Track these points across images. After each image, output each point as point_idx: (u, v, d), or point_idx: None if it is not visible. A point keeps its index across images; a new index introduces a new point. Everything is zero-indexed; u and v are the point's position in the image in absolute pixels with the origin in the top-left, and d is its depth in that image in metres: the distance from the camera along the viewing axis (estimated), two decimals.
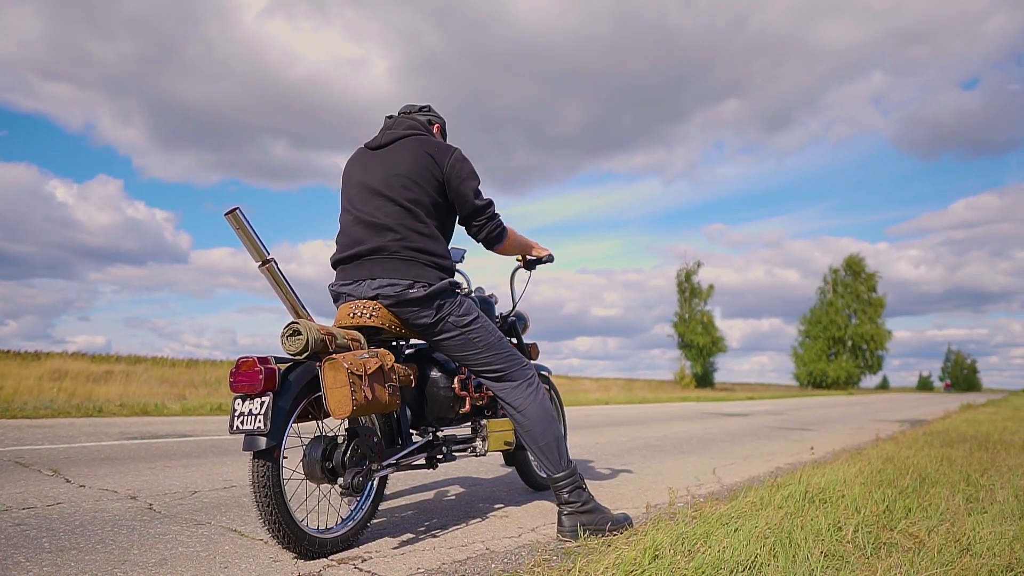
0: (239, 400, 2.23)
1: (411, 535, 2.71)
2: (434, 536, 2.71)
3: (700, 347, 45.63)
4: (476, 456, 3.05)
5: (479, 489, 3.79)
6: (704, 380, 45.55)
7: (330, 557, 2.35)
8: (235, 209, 2.30)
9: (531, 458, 3.55)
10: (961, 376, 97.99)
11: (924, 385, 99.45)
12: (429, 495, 3.56)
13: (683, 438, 7.41)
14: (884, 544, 2.54)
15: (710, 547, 2.17)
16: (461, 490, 3.74)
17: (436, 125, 2.98)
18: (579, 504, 2.71)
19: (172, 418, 8.11)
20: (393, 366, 2.50)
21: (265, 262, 2.38)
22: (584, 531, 2.65)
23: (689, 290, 47.40)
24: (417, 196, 2.62)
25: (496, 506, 3.34)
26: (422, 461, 2.87)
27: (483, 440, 3.02)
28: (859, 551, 2.44)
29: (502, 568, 2.27)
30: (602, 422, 9.77)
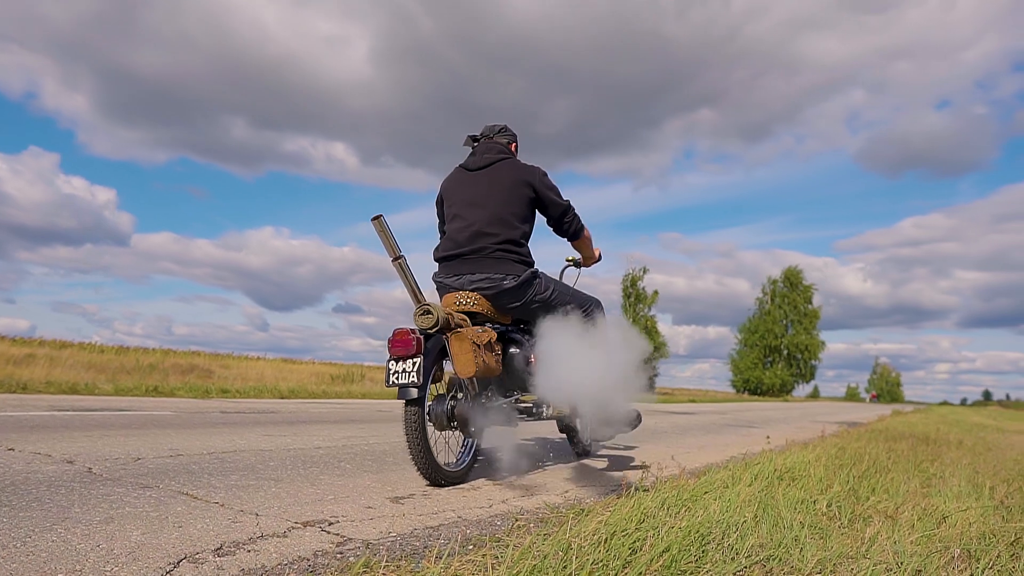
0: (394, 361, 2.83)
1: (377, 503, 2.57)
2: (400, 504, 2.58)
3: None
4: (541, 420, 3.54)
5: None
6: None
7: (296, 521, 2.20)
8: (380, 216, 2.82)
9: None
10: (885, 388, 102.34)
11: (851, 396, 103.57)
12: (393, 470, 3.42)
13: (635, 430, 7.41)
14: (859, 517, 2.54)
15: (697, 511, 2.11)
16: None
17: (512, 144, 3.56)
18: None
19: (105, 397, 7.69)
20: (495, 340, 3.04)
21: (397, 258, 2.87)
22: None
23: (634, 295, 47.97)
24: (514, 208, 3.22)
25: (466, 482, 3.22)
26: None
27: (547, 407, 3.54)
28: (836, 522, 2.43)
29: (478, 533, 2.16)
30: None
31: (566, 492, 3.06)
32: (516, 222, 3.21)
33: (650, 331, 46.72)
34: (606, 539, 1.75)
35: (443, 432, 3.17)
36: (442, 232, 3.48)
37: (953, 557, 1.90)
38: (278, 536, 2.02)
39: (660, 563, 1.61)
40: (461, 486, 3.06)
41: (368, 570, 1.57)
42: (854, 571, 1.73)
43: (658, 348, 46.49)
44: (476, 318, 3.21)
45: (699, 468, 4.10)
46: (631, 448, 5.23)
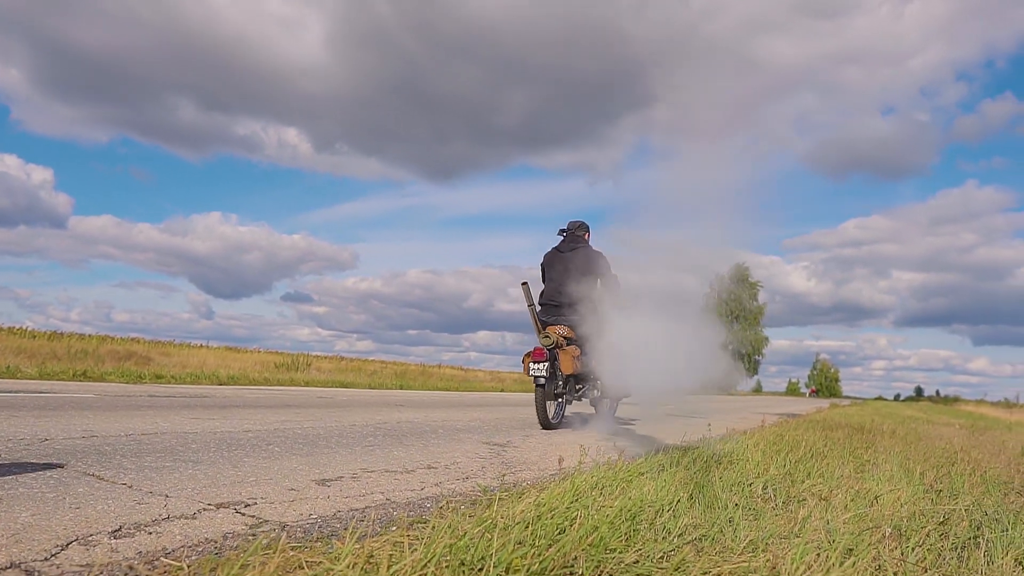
0: (533, 363, 5.15)
1: (301, 485, 2.44)
2: (327, 487, 2.46)
3: None
4: (590, 398, 6.07)
5: (380, 451, 3.54)
6: None
7: (208, 503, 2.07)
8: (527, 283, 5.30)
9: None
10: (824, 384, 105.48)
11: (792, 390, 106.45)
12: (324, 453, 3.28)
13: (578, 418, 7.39)
14: (793, 499, 2.52)
15: (631, 492, 2.05)
16: (358, 449, 3.48)
17: (587, 234, 5.89)
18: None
19: (26, 381, 7.29)
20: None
21: (531, 305, 5.34)
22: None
23: None
24: (591, 281, 5.45)
25: (400, 465, 3.11)
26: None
27: (598, 391, 6.05)
28: (770, 504, 2.41)
29: (405, 515, 2.06)
30: (500, 403, 9.67)
31: (503, 476, 2.98)
32: (590, 287, 5.46)
33: None
34: (534, 519, 1.67)
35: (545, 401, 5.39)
36: (543, 285, 5.76)
37: (884, 535, 1.89)
38: (186, 518, 1.88)
39: (589, 541, 1.54)
40: (395, 470, 2.95)
41: (270, 550, 1.45)
42: (786, 549, 1.69)
43: None
44: (568, 341, 5.45)
45: (640, 454, 4.08)
46: (573, 436, 5.19)
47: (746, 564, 1.53)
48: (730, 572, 1.48)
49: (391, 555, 1.41)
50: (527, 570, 1.31)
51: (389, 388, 12.97)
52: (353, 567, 1.34)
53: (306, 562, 1.42)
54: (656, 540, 1.67)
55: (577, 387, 5.72)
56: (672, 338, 4.90)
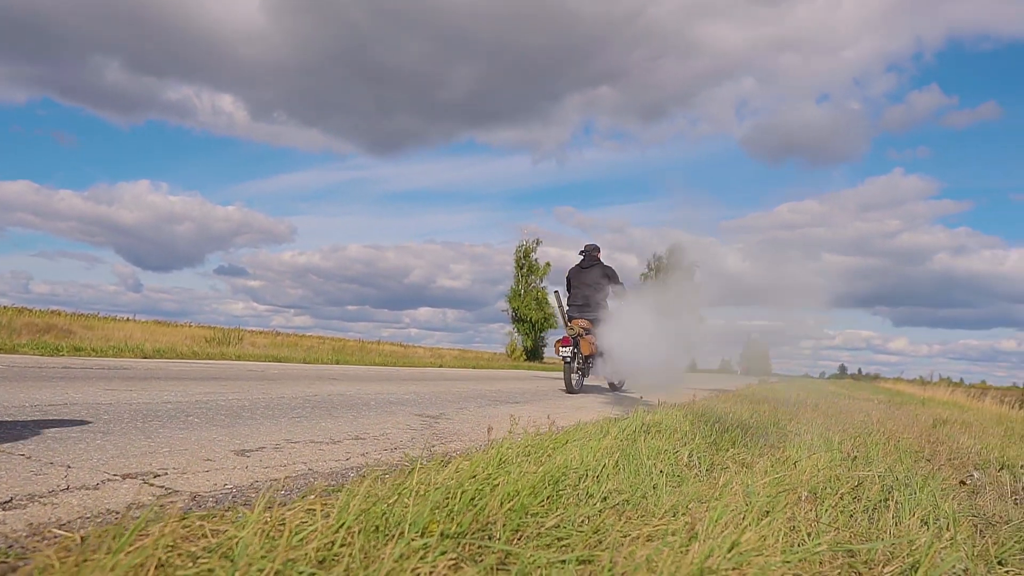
0: (562, 347, 7.69)
1: (219, 456, 2.34)
2: (245, 457, 2.37)
3: (533, 322, 46.89)
4: (603, 374, 8.22)
5: (307, 423, 3.45)
6: (534, 354, 46.86)
7: (114, 473, 1.95)
8: (558, 291, 8.24)
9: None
10: (755, 362, 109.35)
11: (724, 368, 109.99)
12: (247, 424, 3.17)
13: (517, 392, 7.43)
14: (717, 466, 2.57)
15: (556, 458, 2.04)
16: (284, 420, 3.38)
17: (598, 252, 8.20)
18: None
19: None
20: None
21: (560, 307, 8.02)
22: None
23: (527, 266, 48.40)
24: (603, 288, 7.94)
25: (327, 436, 3.03)
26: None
27: (609, 368, 7.91)
28: (694, 471, 2.45)
29: (327, 484, 2.00)
30: (438, 377, 9.62)
31: (432, 447, 2.94)
32: (603, 292, 7.71)
33: (540, 302, 47.40)
34: (456, 485, 1.63)
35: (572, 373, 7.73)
36: (569, 292, 8.20)
37: (800, 498, 1.93)
38: (87, 488, 1.77)
39: (509, 506, 1.51)
40: (320, 441, 2.88)
41: (172, 518, 1.37)
42: (705, 511, 1.70)
43: (547, 319, 47.32)
44: (587, 332, 7.67)
45: (571, 425, 4.10)
46: (512, 407, 5.20)
47: (665, 527, 1.53)
48: (649, 535, 1.48)
49: (302, 521, 1.35)
50: (442, 534, 1.28)
51: (325, 363, 12.74)
52: (260, 534, 1.28)
53: (211, 530, 1.35)
54: (578, 505, 1.66)
55: (592, 365, 8.04)
56: (661, 329, 6.85)
